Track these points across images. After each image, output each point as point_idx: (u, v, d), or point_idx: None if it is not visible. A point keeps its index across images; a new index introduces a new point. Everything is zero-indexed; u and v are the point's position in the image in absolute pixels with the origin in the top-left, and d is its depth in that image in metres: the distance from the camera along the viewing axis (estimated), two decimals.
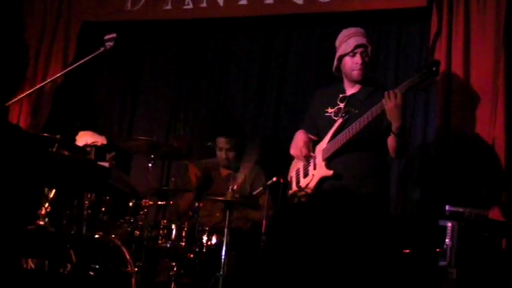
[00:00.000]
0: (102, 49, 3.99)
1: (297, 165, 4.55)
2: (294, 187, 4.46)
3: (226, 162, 5.40)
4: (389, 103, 3.98)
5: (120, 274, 4.58)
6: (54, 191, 4.69)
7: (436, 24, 5.15)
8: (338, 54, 4.39)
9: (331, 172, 4.24)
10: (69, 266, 4.38)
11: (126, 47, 6.52)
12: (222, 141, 5.38)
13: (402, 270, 4.48)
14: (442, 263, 4.20)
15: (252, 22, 6.17)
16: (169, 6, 6.23)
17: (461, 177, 4.88)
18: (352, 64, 4.32)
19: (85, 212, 4.74)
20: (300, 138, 4.47)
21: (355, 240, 4.07)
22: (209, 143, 5.34)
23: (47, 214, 4.66)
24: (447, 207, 4.33)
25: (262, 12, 5.95)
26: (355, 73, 4.33)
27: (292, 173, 4.56)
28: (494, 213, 4.58)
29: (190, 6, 6.15)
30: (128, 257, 4.61)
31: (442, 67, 5.04)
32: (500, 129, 4.83)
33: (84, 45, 6.39)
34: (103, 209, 4.87)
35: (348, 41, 4.33)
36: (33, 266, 4.49)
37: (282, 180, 4.55)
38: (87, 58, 4.03)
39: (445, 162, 4.97)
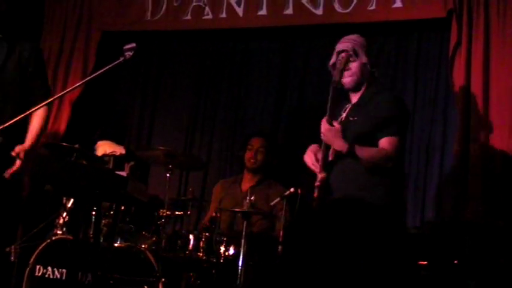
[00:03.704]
0: (121, 59, 3.98)
1: None
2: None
3: (254, 164, 5.43)
4: None
5: (142, 283, 4.58)
6: (72, 200, 4.73)
7: (455, 35, 5.12)
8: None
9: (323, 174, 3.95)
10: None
11: (145, 56, 6.55)
12: (255, 141, 5.46)
13: (419, 282, 4.44)
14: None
15: (272, 32, 6.17)
16: (188, 17, 6.23)
17: (480, 192, 4.84)
18: None
19: (106, 221, 4.76)
20: (309, 149, 4.22)
21: (354, 249, 3.81)
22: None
23: (65, 223, 4.70)
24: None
25: (282, 22, 5.94)
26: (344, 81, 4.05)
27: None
28: None
29: (210, 16, 6.16)
30: (157, 267, 4.61)
31: (461, 78, 5.02)
32: None
33: (104, 54, 6.42)
34: (127, 219, 4.89)
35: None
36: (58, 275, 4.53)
37: (299, 191, 4.53)
38: (106, 68, 4.02)
39: (464, 177, 4.93)
